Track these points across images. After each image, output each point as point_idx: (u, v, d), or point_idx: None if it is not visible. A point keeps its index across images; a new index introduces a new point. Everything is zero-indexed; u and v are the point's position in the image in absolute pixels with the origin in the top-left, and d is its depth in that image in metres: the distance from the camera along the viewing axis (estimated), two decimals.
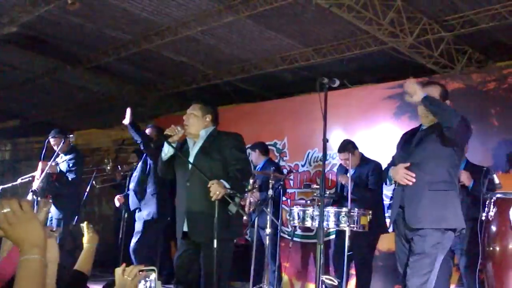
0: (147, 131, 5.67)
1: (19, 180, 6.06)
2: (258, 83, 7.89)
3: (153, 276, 1.93)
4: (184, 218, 3.78)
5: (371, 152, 6.15)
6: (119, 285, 1.88)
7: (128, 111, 5.45)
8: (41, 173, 5.57)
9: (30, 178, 5.90)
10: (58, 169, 5.97)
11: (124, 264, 1.95)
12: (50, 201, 5.91)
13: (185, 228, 3.78)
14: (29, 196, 5.31)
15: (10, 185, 6.06)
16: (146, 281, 1.91)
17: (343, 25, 5.70)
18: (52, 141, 6.00)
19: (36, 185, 5.47)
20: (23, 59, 7.76)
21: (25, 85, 8.95)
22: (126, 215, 6.58)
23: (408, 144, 3.59)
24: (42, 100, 9.89)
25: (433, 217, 3.33)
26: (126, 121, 5.45)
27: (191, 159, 3.81)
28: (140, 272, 1.91)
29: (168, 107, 9.08)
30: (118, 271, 1.91)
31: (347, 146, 5.45)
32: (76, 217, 6.22)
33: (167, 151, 3.82)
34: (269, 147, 6.86)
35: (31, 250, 1.39)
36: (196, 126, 3.88)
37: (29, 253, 1.39)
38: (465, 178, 4.50)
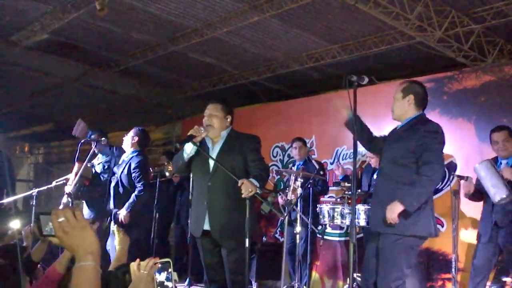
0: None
1: (53, 183, 6.16)
2: (284, 81, 7.89)
3: (169, 267, 1.95)
4: (205, 217, 3.83)
5: None
6: (136, 280, 1.90)
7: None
8: (76, 176, 5.64)
9: (64, 181, 5.99)
10: (93, 171, 6.05)
11: (138, 260, 1.97)
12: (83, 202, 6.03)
13: (206, 227, 3.84)
14: (64, 199, 5.40)
15: (45, 187, 6.16)
16: (162, 273, 1.93)
17: (369, 21, 5.65)
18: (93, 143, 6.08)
19: (69, 188, 5.56)
20: (54, 64, 7.92)
21: (57, 90, 9.13)
22: (157, 216, 6.65)
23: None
24: (73, 104, 10.08)
25: None
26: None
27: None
28: (155, 265, 1.93)
29: (195, 108, 9.15)
30: (133, 266, 1.94)
31: None
32: (108, 218, 6.30)
33: (189, 151, 3.87)
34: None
35: (85, 257, 1.45)
36: (219, 127, 3.92)
37: (83, 260, 1.45)
38: (509, 174, 4.42)
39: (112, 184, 5.68)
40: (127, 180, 5.57)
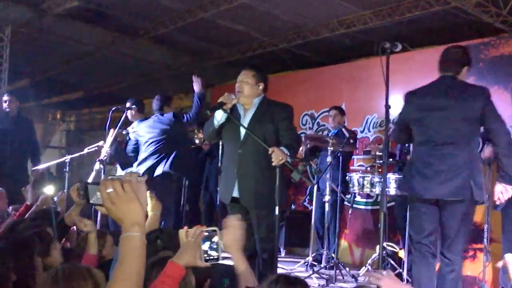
0: None
1: (85, 150, 6.24)
2: (314, 49, 7.77)
3: (216, 235, 1.97)
4: (234, 184, 3.85)
5: None
6: (183, 247, 1.94)
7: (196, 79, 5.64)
8: (112, 140, 5.75)
9: (96, 148, 6.08)
10: (128, 138, 6.16)
11: (186, 227, 2.00)
12: (117, 166, 6.15)
13: (236, 194, 3.86)
14: (96, 166, 5.48)
15: (77, 154, 6.26)
16: (206, 242, 1.95)
17: None
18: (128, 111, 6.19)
19: (103, 153, 5.64)
20: (84, 32, 7.96)
21: (87, 58, 9.19)
22: (186, 182, 6.72)
23: None
24: (104, 71, 10.15)
25: None
26: (197, 88, 5.66)
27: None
28: (203, 233, 1.95)
29: (224, 76, 9.12)
30: (181, 233, 1.97)
31: None
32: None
33: (219, 118, 3.86)
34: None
35: (132, 227, 1.50)
36: (249, 94, 3.89)
37: (130, 230, 1.49)
38: None
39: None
40: None
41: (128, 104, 6.16)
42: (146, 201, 1.91)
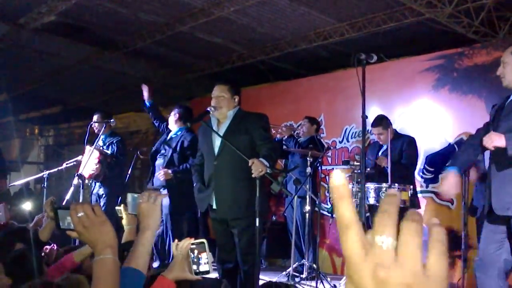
0: (174, 111, 5.69)
1: (64, 165, 6.20)
2: (292, 60, 7.85)
3: (197, 249, 1.98)
4: (212, 196, 3.88)
5: (409, 127, 6.08)
6: (173, 260, 1.95)
7: (145, 88, 5.76)
8: (88, 157, 5.66)
9: (75, 163, 6.04)
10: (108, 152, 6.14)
11: (176, 240, 2.01)
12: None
13: (214, 206, 3.88)
14: (75, 180, 5.44)
15: (56, 170, 6.20)
16: (195, 253, 1.96)
17: None
18: (95, 125, 6.13)
19: (81, 169, 5.59)
20: (62, 47, 7.92)
21: (65, 72, 9.14)
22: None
23: (497, 119, 3.17)
24: (82, 85, 10.10)
25: None
26: (146, 97, 5.79)
27: (218, 139, 3.87)
28: (189, 245, 1.96)
29: (203, 88, 9.14)
30: (173, 246, 1.99)
31: (382, 121, 5.39)
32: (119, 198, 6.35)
33: None
34: None
35: (105, 250, 1.48)
36: (226, 108, 3.93)
37: (103, 253, 1.48)
38: None
39: (159, 162, 5.59)
40: (178, 158, 5.47)
41: (96, 117, 6.15)
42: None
